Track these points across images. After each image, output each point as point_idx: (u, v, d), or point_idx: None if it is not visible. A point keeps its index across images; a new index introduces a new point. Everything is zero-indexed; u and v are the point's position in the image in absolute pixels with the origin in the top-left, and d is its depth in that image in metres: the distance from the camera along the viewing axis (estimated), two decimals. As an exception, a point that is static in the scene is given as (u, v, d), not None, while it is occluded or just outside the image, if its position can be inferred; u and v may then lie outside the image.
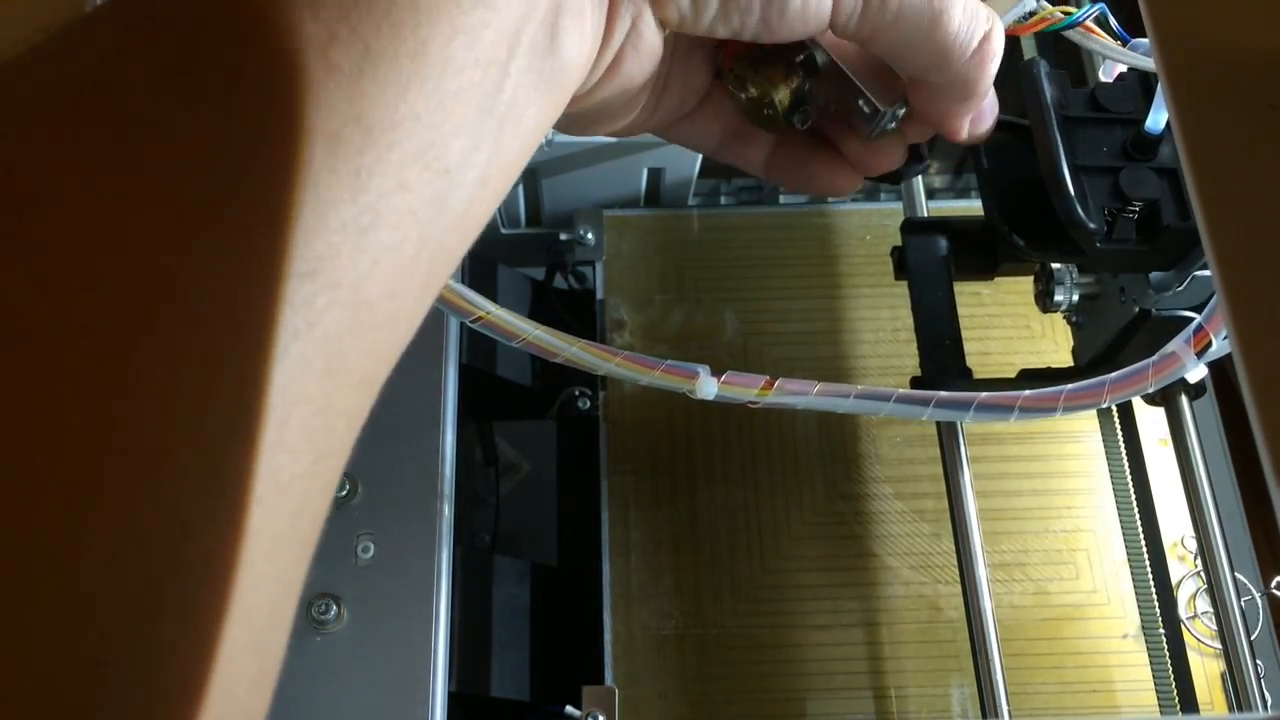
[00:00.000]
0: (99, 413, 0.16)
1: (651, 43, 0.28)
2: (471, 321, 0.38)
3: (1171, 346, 0.36)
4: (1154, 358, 0.37)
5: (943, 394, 0.39)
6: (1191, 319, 0.38)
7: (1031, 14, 0.34)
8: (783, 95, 0.32)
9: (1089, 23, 0.35)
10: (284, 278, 0.18)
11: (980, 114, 0.33)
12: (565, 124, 0.30)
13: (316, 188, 0.18)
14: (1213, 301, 0.37)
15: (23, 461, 0.16)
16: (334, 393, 0.19)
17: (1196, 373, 0.37)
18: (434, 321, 0.45)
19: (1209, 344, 0.36)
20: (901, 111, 0.33)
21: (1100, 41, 0.35)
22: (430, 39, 0.20)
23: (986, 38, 0.30)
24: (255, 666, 0.18)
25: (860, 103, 0.32)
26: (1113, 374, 0.38)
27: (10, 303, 0.16)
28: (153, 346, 0.17)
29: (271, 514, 0.18)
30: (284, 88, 0.19)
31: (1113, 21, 0.36)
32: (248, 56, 0.19)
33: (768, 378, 0.39)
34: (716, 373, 0.39)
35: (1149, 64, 0.36)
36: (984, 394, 0.39)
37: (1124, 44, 0.36)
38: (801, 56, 0.31)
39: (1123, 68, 0.40)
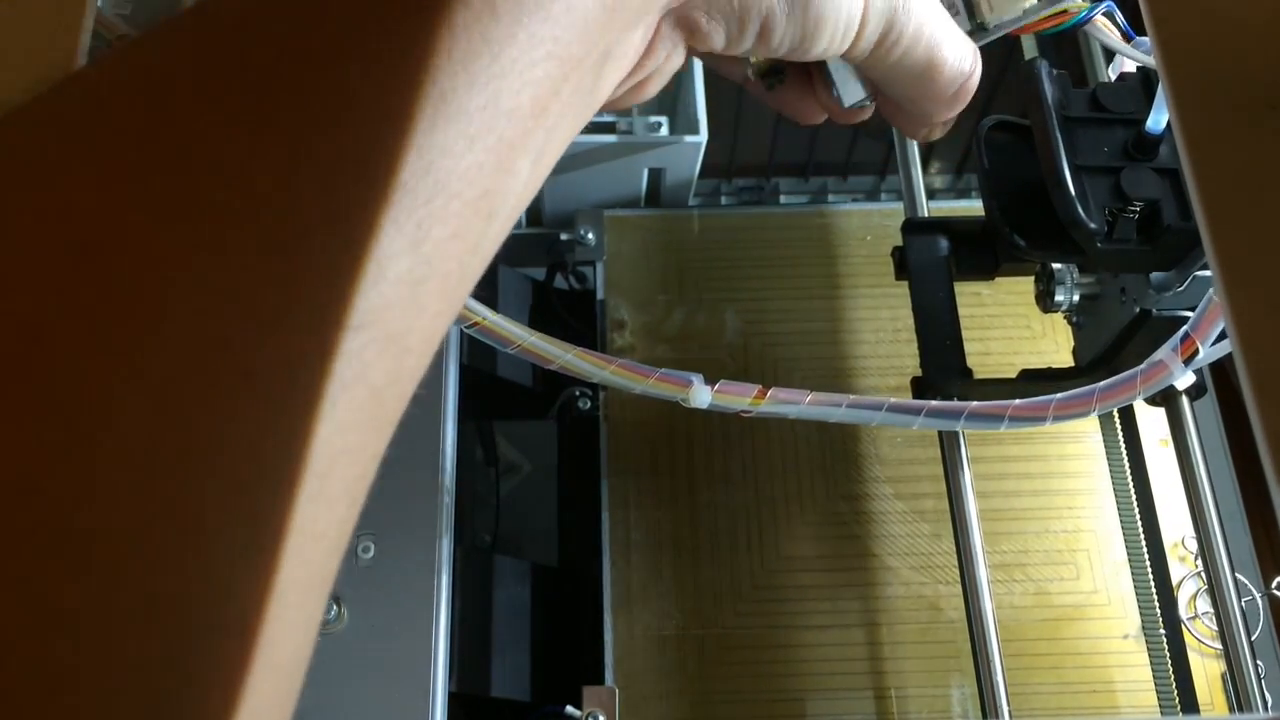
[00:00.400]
0: (145, 471, 0.16)
1: (676, 65, 0.28)
2: (467, 327, 0.38)
3: (1159, 355, 0.37)
4: (1142, 366, 0.37)
5: (933, 404, 0.40)
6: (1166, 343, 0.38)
7: (1027, 10, 0.34)
8: (761, 61, 0.32)
9: (1100, 18, 0.35)
10: (339, 329, 0.18)
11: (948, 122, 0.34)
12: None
13: (379, 240, 0.18)
14: (1200, 308, 0.37)
15: (69, 521, 0.15)
16: (372, 441, 0.19)
17: (1185, 380, 0.37)
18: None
19: (1196, 352, 0.36)
20: (871, 103, 0.33)
21: (1111, 37, 0.35)
22: (501, 91, 0.20)
23: (965, 83, 0.31)
24: (279, 714, 0.18)
25: (834, 92, 0.32)
26: (1100, 383, 0.38)
27: (63, 351, 0.16)
28: (202, 399, 0.16)
29: (306, 567, 0.18)
30: (359, 131, 0.18)
31: (1119, 17, 0.36)
32: (325, 89, 0.18)
33: (760, 387, 0.39)
34: (711, 380, 0.39)
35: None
36: (974, 403, 0.39)
37: (1130, 41, 0.36)
38: None
39: (1125, 67, 0.40)
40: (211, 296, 0.17)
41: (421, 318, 0.19)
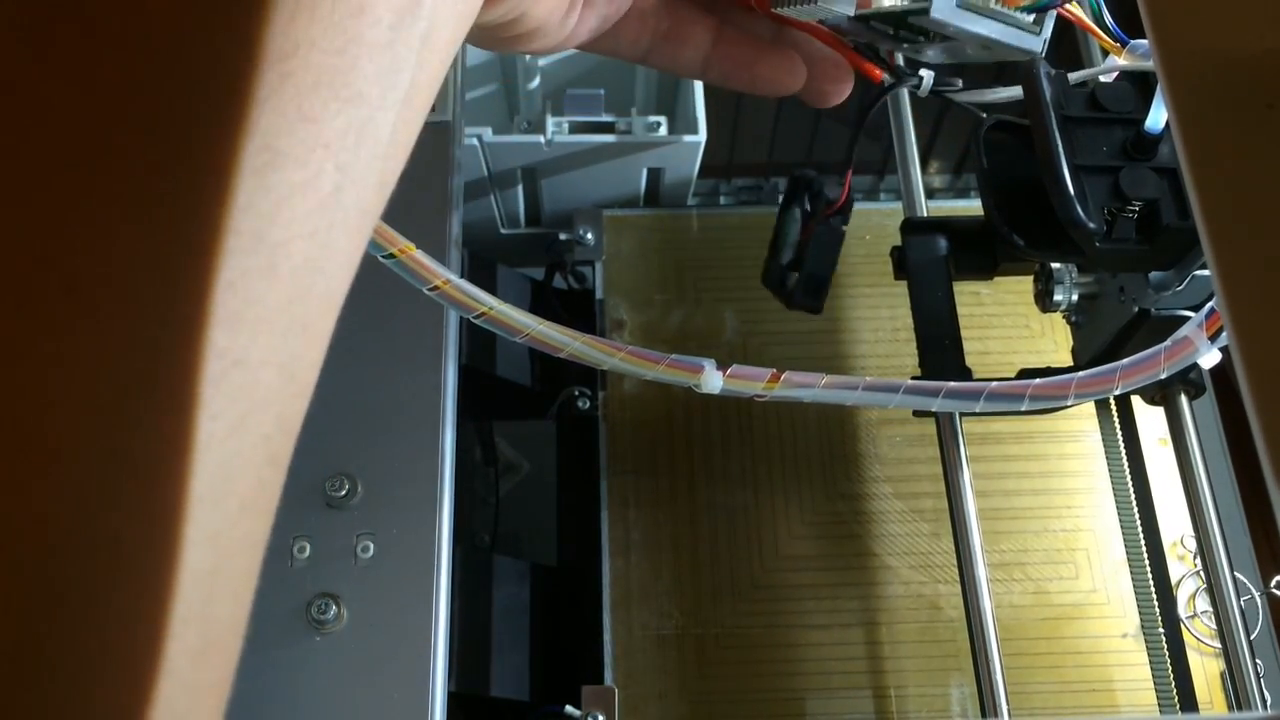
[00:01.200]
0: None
1: None
2: (475, 317, 0.38)
3: (1184, 331, 0.36)
4: (1166, 343, 0.36)
5: (952, 384, 0.39)
6: (1190, 319, 0.38)
7: None
8: None
9: (1078, 14, 0.35)
10: (173, 225, 0.17)
11: None
12: (483, 38, 0.29)
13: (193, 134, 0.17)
14: None
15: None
16: (252, 344, 0.18)
17: (1210, 358, 0.36)
18: (433, 321, 0.46)
19: (1222, 328, 0.35)
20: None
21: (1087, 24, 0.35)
22: None
23: None
24: (197, 637, 0.17)
25: None
26: (1124, 361, 0.37)
27: None
28: (30, 316, 0.16)
29: (194, 480, 0.17)
30: (154, 33, 0.17)
31: (1107, 17, 0.35)
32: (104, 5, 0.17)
33: (774, 371, 0.39)
34: (720, 368, 0.39)
35: (1142, 65, 0.36)
36: (994, 383, 0.39)
37: (1122, 45, 0.36)
38: None
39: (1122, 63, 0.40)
40: (19, 212, 0.16)
41: (284, 209, 0.18)
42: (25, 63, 0.16)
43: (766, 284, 0.45)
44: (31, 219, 0.16)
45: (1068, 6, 0.35)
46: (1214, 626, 0.45)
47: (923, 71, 0.36)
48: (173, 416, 0.17)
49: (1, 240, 0.16)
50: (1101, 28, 0.36)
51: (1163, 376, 0.37)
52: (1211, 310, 0.36)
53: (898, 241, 0.46)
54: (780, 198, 0.45)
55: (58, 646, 0.15)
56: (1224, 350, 0.36)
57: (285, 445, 0.19)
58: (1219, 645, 0.43)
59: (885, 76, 0.36)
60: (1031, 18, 0.33)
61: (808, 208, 0.42)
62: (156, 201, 0.17)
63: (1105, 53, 0.37)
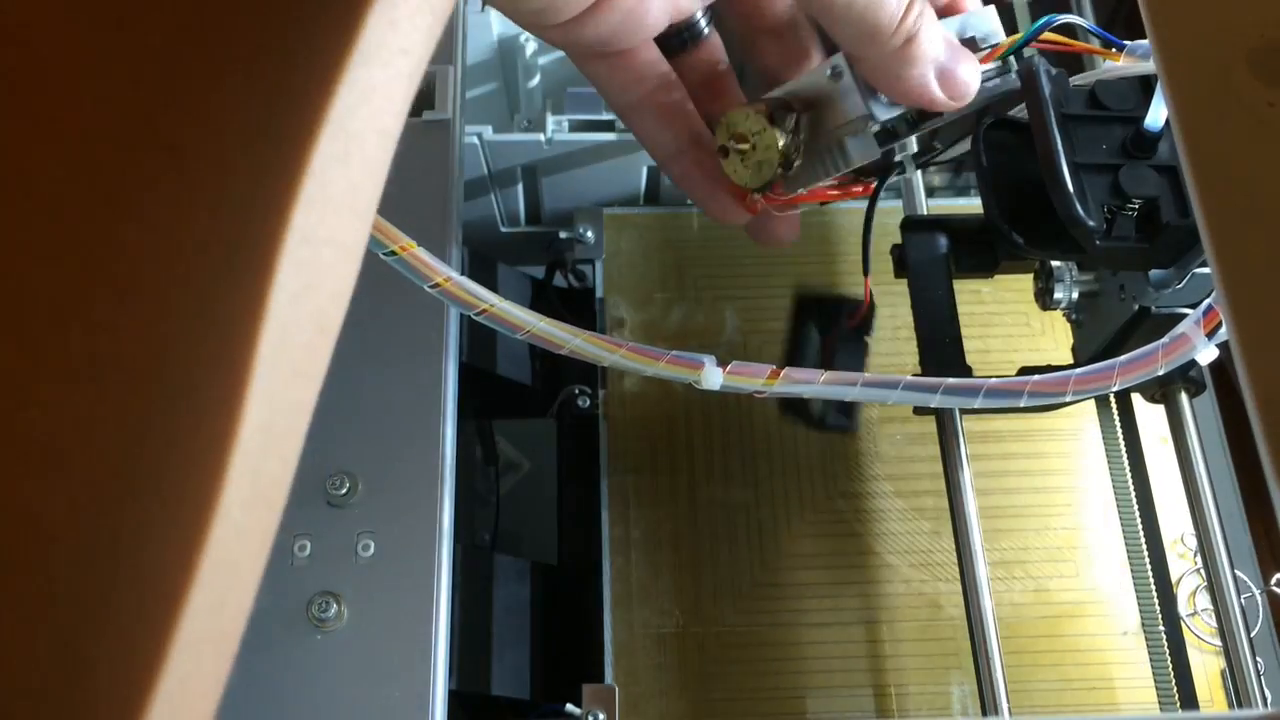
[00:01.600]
0: (81, 240, 0.16)
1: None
2: (476, 314, 0.38)
3: (1181, 328, 0.36)
4: (1164, 339, 0.37)
5: (951, 380, 0.39)
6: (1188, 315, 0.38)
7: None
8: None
9: (1066, 41, 0.36)
10: (273, 105, 0.18)
11: (948, 73, 0.33)
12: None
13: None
14: None
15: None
16: (320, 223, 0.19)
17: (1207, 354, 0.36)
18: (433, 319, 0.45)
19: (1219, 325, 0.35)
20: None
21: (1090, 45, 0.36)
22: None
23: (906, 17, 0.31)
24: (249, 488, 0.18)
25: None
26: (1122, 357, 0.37)
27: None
28: (131, 172, 0.17)
29: (262, 343, 0.18)
30: None
31: (1082, 21, 0.36)
32: None
33: (773, 367, 0.39)
34: (721, 365, 0.39)
35: (1134, 69, 0.37)
36: (993, 379, 0.39)
37: (1117, 48, 0.36)
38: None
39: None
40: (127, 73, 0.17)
41: (367, 104, 0.20)
42: None
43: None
44: (145, 83, 0.17)
45: (1054, 34, 0.35)
46: (1214, 624, 0.45)
47: (898, 157, 0.38)
48: (250, 279, 0.18)
49: (116, 101, 0.17)
50: (1094, 38, 0.36)
51: (1160, 373, 0.37)
52: (1209, 307, 0.36)
53: (898, 239, 0.46)
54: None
55: (140, 468, 0.17)
56: (1223, 347, 0.36)
57: (335, 316, 0.21)
58: (1219, 643, 0.43)
59: (875, 181, 0.38)
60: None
61: (832, 324, 0.42)
62: (262, 81, 0.18)
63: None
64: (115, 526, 0.16)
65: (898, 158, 0.39)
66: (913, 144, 0.37)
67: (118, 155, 0.17)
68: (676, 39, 0.38)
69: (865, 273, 0.42)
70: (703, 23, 0.39)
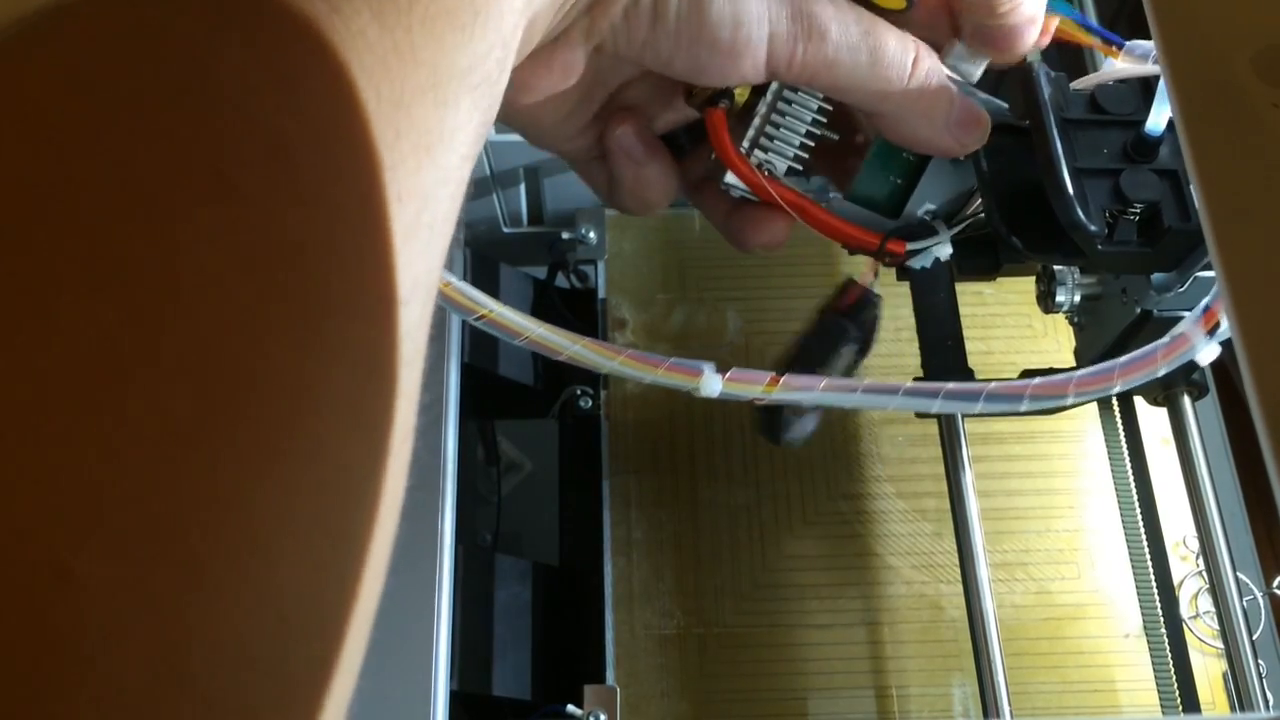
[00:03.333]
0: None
1: (575, 64, 0.30)
2: (475, 319, 0.38)
3: (1181, 328, 0.36)
4: (1164, 339, 0.37)
5: (951, 385, 0.39)
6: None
7: None
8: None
9: (1066, 31, 0.36)
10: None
11: (962, 122, 0.35)
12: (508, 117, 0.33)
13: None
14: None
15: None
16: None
17: (1208, 352, 0.36)
18: (436, 321, 0.45)
19: (1218, 324, 0.35)
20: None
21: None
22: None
23: (917, 60, 0.33)
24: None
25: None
26: (1122, 359, 0.37)
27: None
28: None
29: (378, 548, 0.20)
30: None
31: (1093, 21, 0.36)
32: None
33: (773, 374, 0.39)
34: (720, 370, 0.39)
35: (1131, 71, 0.37)
36: (994, 384, 0.39)
37: (1118, 48, 0.36)
38: None
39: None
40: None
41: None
42: None
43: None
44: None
45: (1055, 27, 0.35)
46: (1216, 627, 0.45)
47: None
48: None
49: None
50: (1092, 33, 0.36)
51: (1161, 373, 0.37)
52: (1207, 305, 0.36)
53: (899, 241, 0.46)
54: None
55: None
56: (1224, 344, 0.36)
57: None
58: (1221, 645, 0.43)
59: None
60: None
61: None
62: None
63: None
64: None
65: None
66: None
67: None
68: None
69: (876, 273, 0.42)
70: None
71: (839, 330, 0.41)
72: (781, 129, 0.36)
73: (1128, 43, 0.36)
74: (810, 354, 0.40)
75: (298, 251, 0.17)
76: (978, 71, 0.35)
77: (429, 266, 0.21)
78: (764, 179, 0.37)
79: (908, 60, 0.32)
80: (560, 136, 0.36)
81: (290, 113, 0.18)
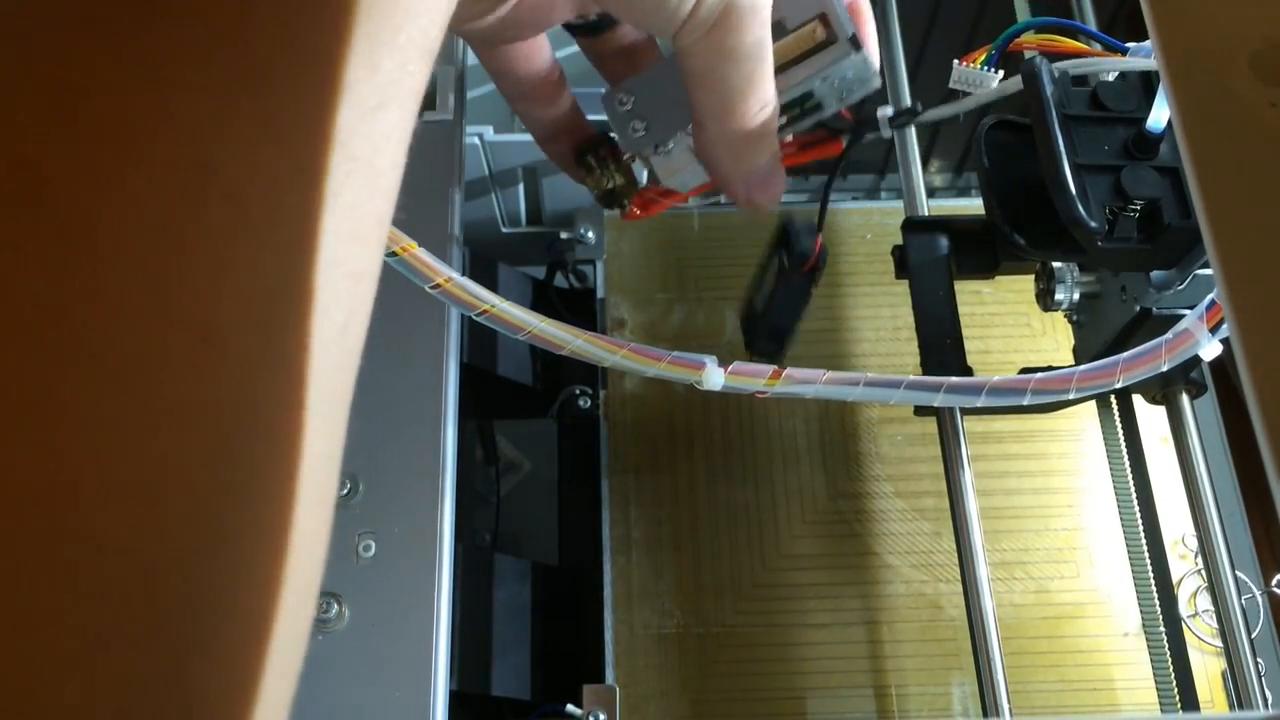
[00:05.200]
0: (157, 289, 0.17)
1: None
2: (477, 315, 0.38)
3: (1184, 324, 0.36)
4: (1167, 335, 0.36)
5: (953, 379, 0.39)
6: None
7: None
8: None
9: (1069, 44, 0.36)
10: (314, 149, 0.19)
11: (763, 186, 0.37)
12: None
13: (342, 67, 0.19)
14: None
15: (85, 338, 0.16)
16: (355, 256, 0.20)
17: (1210, 350, 0.36)
18: (435, 319, 0.45)
19: (1222, 320, 0.35)
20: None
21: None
22: None
23: (767, 119, 0.35)
24: (319, 521, 0.20)
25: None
26: (1125, 354, 0.37)
27: (56, 185, 0.17)
28: (198, 220, 0.17)
29: (319, 376, 0.19)
30: None
31: (1092, 26, 0.36)
32: None
33: (775, 368, 0.39)
34: (722, 365, 0.39)
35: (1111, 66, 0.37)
36: (995, 378, 0.39)
37: (1122, 54, 0.36)
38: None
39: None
40: (192, 126, 0.18)
41: (387, 144, 0.21)
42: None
43: (741, 323, 0.47)
44: (198, 123, 0.18)
45: (1058, 39, 0.36)
46: (1215, 625, 0.45)
47: (880, 111, 0.39)
48: (297, 325, 0.19)
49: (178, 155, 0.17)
50: (1094, 40, 0.36)
51: (1164, 369, 0.37)
52: (1211, 302, 0.36)
53: (899, 240, 0.46)
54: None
55: (213, 523, 0.17)
56: (1225, 342, 0.36)
57: (361, 340, 0.22)
58: (1220, 644, 0.43)
59: (846, 139, 0.39)
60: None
61: (785, 261, 0.43)
62: (296, 125, 0.19)
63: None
64: (212, 562, 0.17)
65: (876, 129, 0.40)
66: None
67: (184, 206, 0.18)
68: (591, 24, 0.39)
69: (819, 228, 0.43)
70: None
71: (805, 294, 0.42)
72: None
73: (1130, 46, 0.36)
74: (785, 315, 0.42)
75: None
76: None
77: None
78: (688, 193, 0.40)
79: (768, 98, 0.34)
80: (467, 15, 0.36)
81: None
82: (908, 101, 0.48)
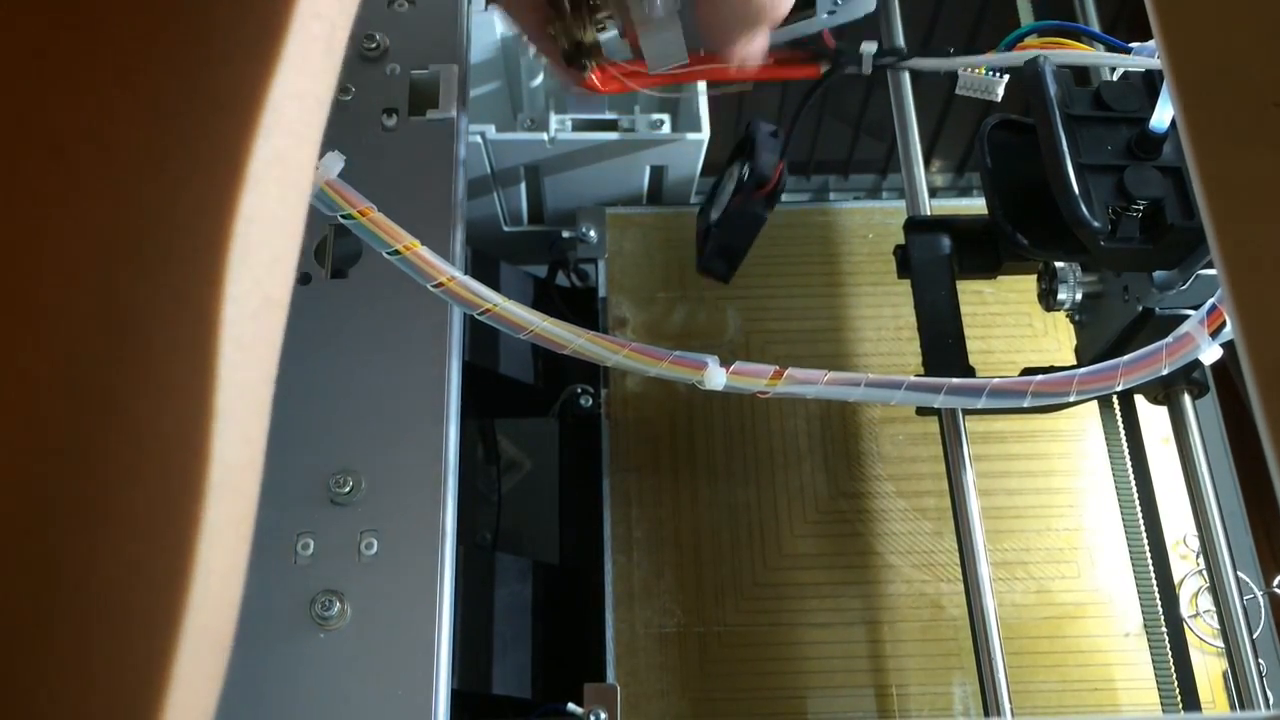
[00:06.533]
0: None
1: None
2: (479, 314, 0.38)
3: (1185, 327, 0.36)
4: (1168, 339, 0.36)
5: (955, 380, 0.39)
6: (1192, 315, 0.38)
7: None
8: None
9: (1074, 47, 0.36)
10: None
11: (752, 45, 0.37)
12: None
13: None
14: None
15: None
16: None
17: (1211, 354, 0.36)
18: (437, 318, 0.45)
19: (1223, 324, 0.35)
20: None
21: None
22: None
23: None
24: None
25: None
26: (1125, 357, 0.37)
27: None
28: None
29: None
30: None
31: (1095, 27, 0.36)
32: None
33: (776, 368, 0.39)
34: (723, 365, 0.39)
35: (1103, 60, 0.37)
36: (996, 380, 0.39)
37: (1119, 51, 0.36)
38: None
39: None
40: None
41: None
42: None
43: (697, 232, 0.46)
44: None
45: (1063, 42, 0.36)
46: (1216, 625, 0.45)
47: (864, 46, 0.39)
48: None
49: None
50: (1098, 43, 0.36)
51: (1164, 372, 0.37)
52: (1213, 306, 0.36)
53: (900, 240, 0.46)
54: (783, 196, 0.46)
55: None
56: (1226, 346, 0.36)
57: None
58: (1221, 644, 0.43)
59: (824, 67, 0.39)
60: None
61: (745, 175, 0.43)
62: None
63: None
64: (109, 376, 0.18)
65: (857, 61, 0.40)
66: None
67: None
68: None
69: (783, 155, 0.43)
70: None
71: (759, 219, 0.42)
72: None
73: (1134, 46, 0.36)
74: (737, 236, 0.42)
75: None
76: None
77: None
78: (680, 69, 0.39)
79: None
80: None
81: None
82: (901, 44, 0.48)
